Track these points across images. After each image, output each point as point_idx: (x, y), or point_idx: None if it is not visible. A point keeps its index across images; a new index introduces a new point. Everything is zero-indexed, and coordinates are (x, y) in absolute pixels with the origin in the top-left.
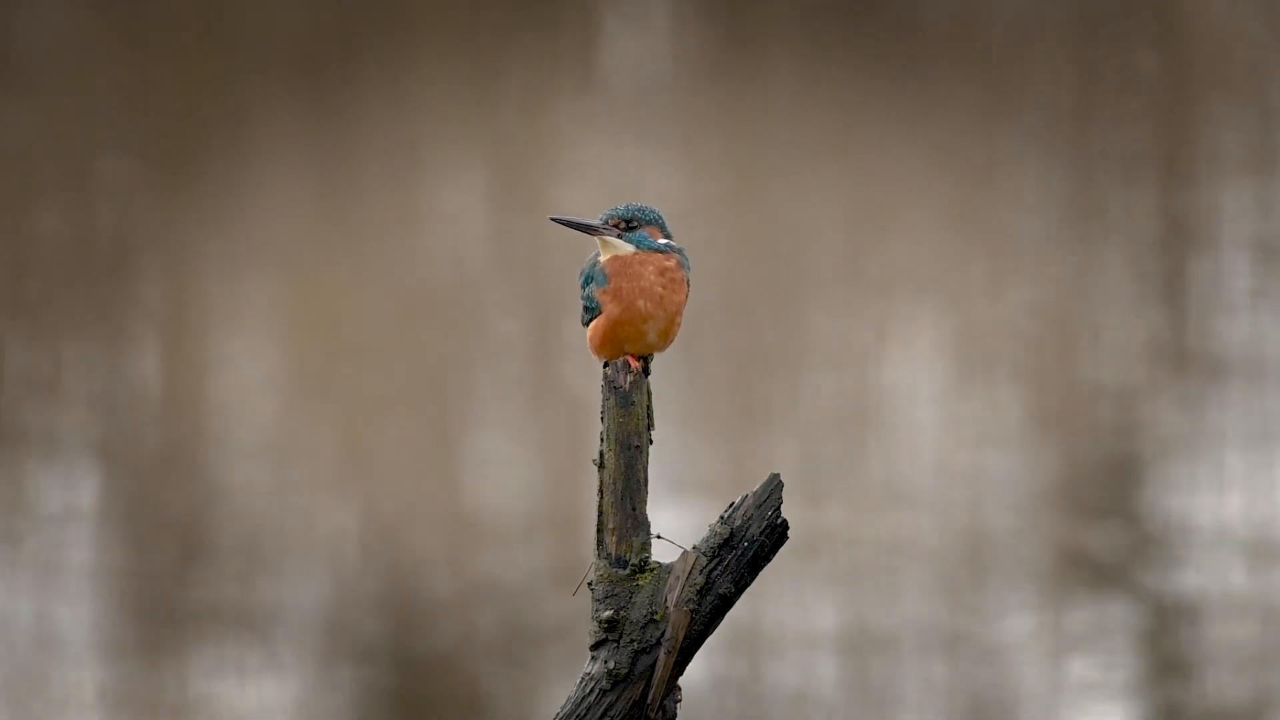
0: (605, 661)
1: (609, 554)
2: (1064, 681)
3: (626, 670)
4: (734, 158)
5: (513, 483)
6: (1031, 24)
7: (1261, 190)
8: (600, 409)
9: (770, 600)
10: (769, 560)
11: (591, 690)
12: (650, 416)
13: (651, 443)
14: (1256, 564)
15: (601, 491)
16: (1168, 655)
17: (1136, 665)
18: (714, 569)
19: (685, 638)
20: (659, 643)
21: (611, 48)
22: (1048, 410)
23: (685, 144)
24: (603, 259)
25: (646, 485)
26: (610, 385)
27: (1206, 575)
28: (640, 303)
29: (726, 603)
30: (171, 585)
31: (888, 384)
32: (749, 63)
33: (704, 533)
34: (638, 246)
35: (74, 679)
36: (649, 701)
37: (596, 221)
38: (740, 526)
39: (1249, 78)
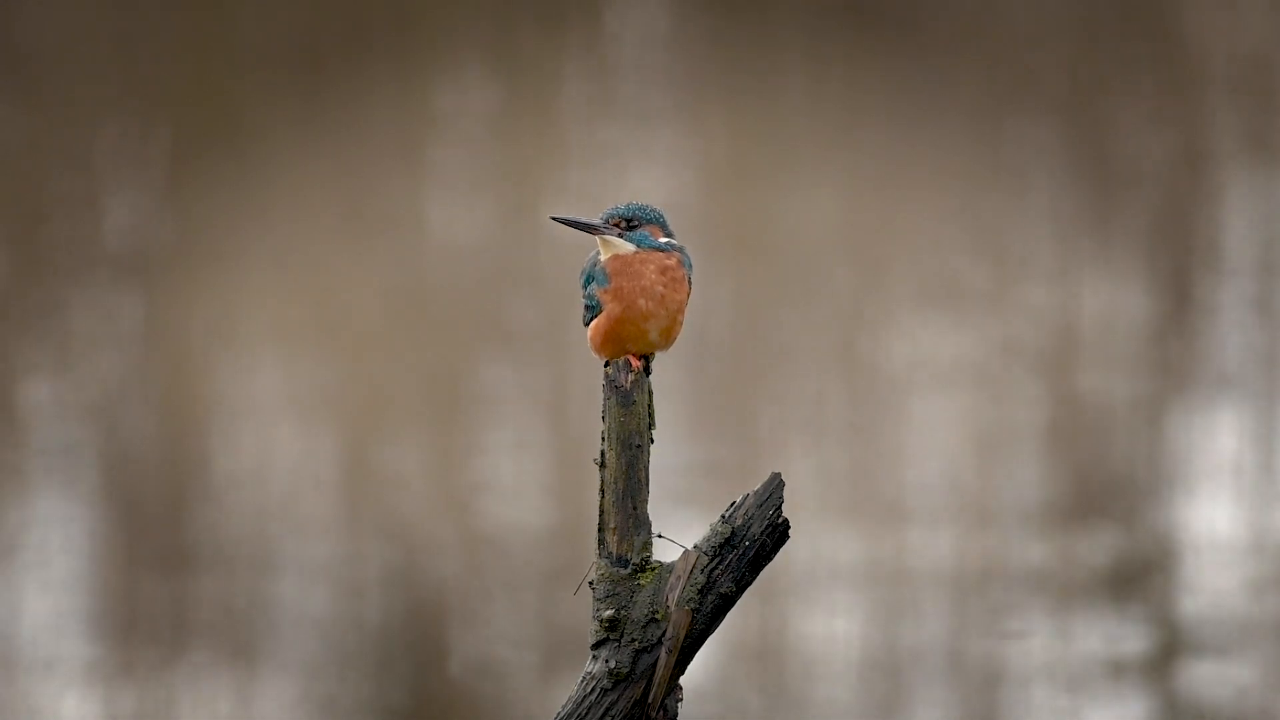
0: (606, 660)
1: (610, 553)
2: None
3: (628, 669)
4: (738, 155)
5: (516, 481)
6: (1038, 23)
7: (1265, 191)
8: (601, 408)
9: (777, 607)
10: (770, 559)
11: (593, 689)
12: (651, 416)
13: (653, 442)
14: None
15: (602, 491)
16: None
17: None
18: (715, 568)
19: (686, 637)
20: (660, 642)
21: (615, 45)
22: (1054, 411)
23: (689, 142)
24: (603, 258)
25: (647, 484)
26: (611, 384)
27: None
28: (641, 301)
29: (728, 602)
30: (172, 594)
31: (890, 381)
32: (754, 60)
33: (705, 532)
34: (639, 245)
35: (68, 697)
36: (650, 700)
37: (597, 220)
38: (741, 525)
39: (1255, 77)
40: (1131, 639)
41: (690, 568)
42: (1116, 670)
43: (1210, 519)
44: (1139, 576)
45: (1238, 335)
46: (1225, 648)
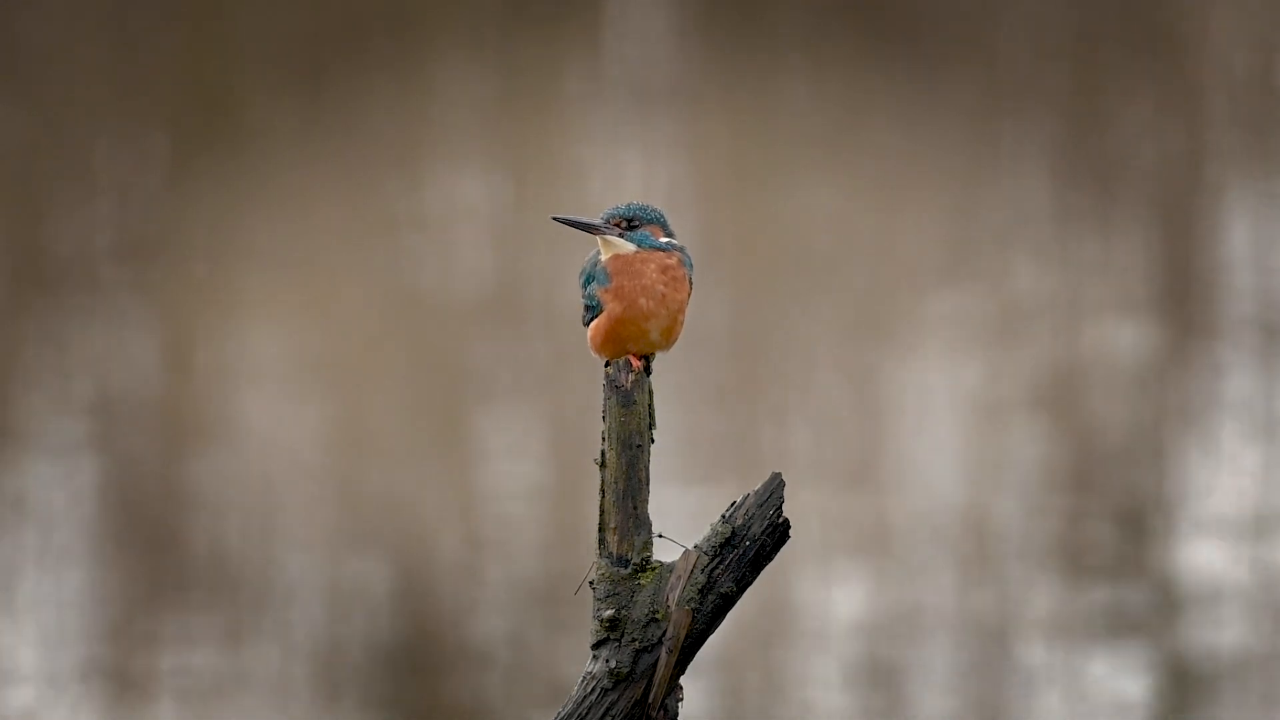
0: (607, 660)
1: (610, 553)
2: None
3: (628, 669)
4: (738, 156)
5: (516, 482)
6: (1037, 26)
7: (1264, 193)
8: (601, 408)
9: (778, 595)
10: (771, 559)
11: (593, 689)
12: (652, 416)
13: (653, 441)
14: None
15: (603, 491)
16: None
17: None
18: (716, 568)
19: (687, 637)
20: (660, 642)
21: (617, 48)
22: (1052, 409)
23: (689, 143)
24: (604, 258)
25: (648, 484)
26: (612, 384)
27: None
28: (642, 301)
29: (728, 601)
30: (167, 596)
31: (889, 381)
32: (754, 61)
33: (705, 531)
34: (639, 245)
35: (60, 705)
36: (650, 700)
37: (598, 220)
38: (742, 525)
39: (1251, 78)
40: (1135, 676)
41: (691, 567)
42: (1121, 707)
43: (1216, 537)
44: (1143, 608)
45: (1238, 336)
46: (1230, 676)
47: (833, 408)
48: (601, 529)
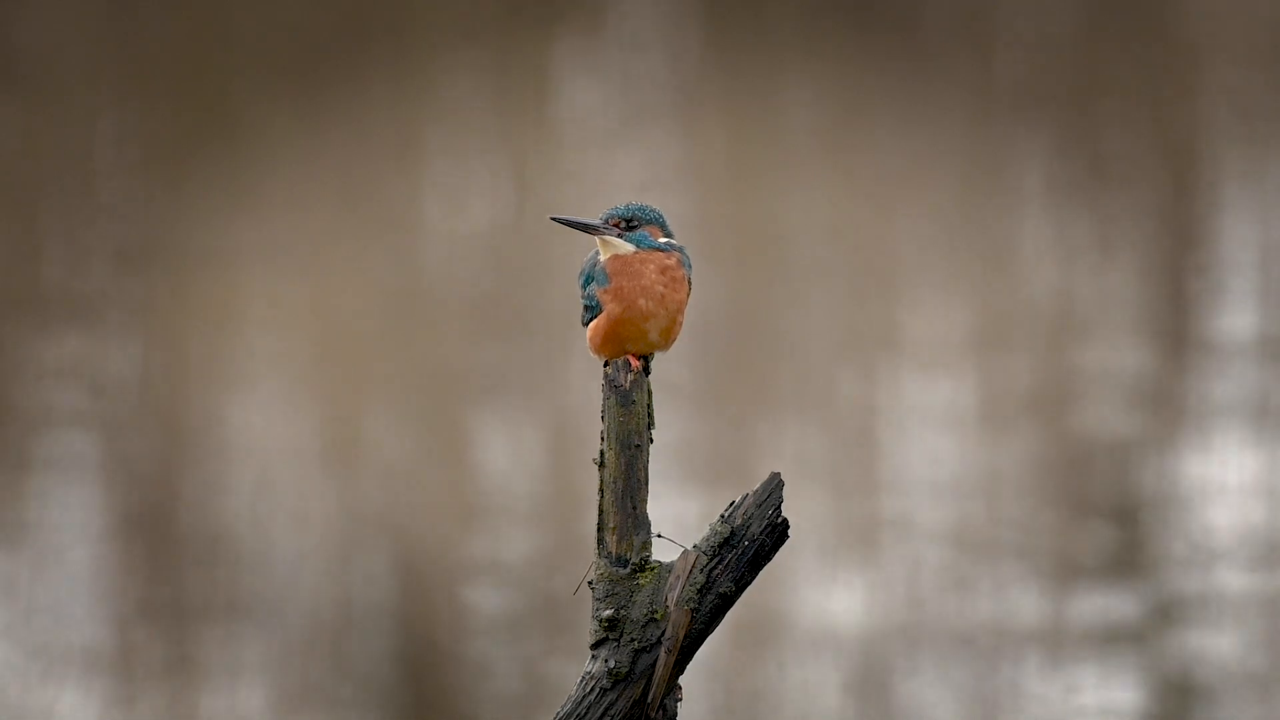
0: (606, 660)
1: (609, 553)
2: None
3: (627, 669)
4: (735, 156)
5: (515, 481)
6: (1035, 24)
7: (1263, 193)
8: (600, 408)
9: (776, 595)
10: (769, 559)
11: (592, 689)
12: (650, 415)
13: (652, 441)
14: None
15: (602, 490)
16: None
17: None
18: (714, 568)
19: (686, 636)
20: (659, 641)
21: (613, 45)
22: (1050, 411)
23: (686, 143)
24: (603, 258)
25: (647, 484)
26: (611, 384)
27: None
28: (641, 301)
29: (727, 601)
30: (166, 587)
31: (888, 382)
32: (752, 60)
33: (704, 530)
34: (638, 245)
35: (72, 688)
36: (649, 700)
37: (597, 221)
38: (741, 525)
39: (1251, 77)
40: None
41: (689, 567)
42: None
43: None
44: (1141, 630)
45: (1237, 330)
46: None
47: (830, 404)
48: (601, 529)
